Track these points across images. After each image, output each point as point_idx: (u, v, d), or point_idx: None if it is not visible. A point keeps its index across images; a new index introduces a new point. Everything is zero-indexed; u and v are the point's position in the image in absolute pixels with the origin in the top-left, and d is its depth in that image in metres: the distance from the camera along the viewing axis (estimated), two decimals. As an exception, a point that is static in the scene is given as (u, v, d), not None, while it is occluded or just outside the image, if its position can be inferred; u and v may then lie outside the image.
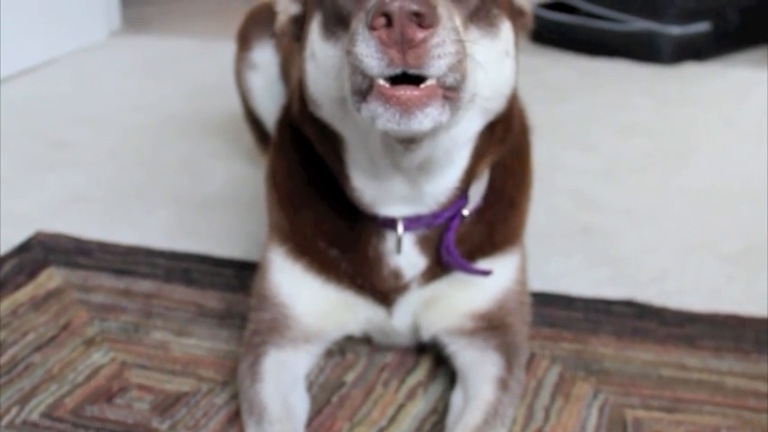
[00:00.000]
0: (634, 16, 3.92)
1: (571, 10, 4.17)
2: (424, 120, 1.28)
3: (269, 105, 2.41)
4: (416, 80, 1.27)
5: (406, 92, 1.27)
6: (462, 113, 1.39)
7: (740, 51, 4.01)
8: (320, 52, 1.46)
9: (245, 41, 2.48)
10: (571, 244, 2.30)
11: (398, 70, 1.25)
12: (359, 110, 1.32)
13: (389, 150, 1.47)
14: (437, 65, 1.25)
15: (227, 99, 2.93)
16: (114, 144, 3.02)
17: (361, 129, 1.47)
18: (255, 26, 2.46)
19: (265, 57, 2.44)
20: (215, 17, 4.74)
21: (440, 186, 1.55)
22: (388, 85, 1.27)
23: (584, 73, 3.76)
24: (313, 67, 1.49)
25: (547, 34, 4.07)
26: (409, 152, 1.44)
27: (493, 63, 1.44)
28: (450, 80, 1.28)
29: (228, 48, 2.58)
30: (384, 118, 1.29)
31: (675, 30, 3.83)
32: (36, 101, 3.49)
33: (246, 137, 2.71)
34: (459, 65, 1.28)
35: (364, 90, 1.30)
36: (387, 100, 1.27)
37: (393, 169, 1.51)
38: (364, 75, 1.28)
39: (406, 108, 1.27)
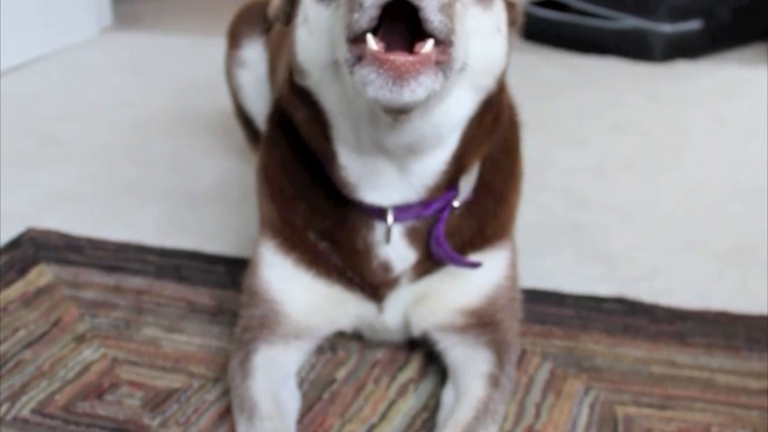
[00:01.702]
0: (625, 14, 3.92)
1: (562, 7, 4.17)
2: (418, 88, 1.25)
3: (259, 103, 2.41)
4: (410, 44, 1.26)
5: (399, 57, 1.24)
6: (453, 82, 1.38)
7: (731, 49, 4.02)
8: (313, 14, 1.44)
9: (235, 39, 2.48)
10: (562, 241, 2.30)
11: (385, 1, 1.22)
12: (352, 73, 1.29)
13: (375, 124, 1.44)
14: None
15: (217, 96, 2.93)
16: (105, 141, 3.02)
17: (349, 97, 1.45)
18: (246, 24, 2.46)
19: (255, 55, 2.44)
20: (206, 14, 4.74)
21: (427, 168, 1.53)
22: (382, 50, 1.25)
23: (575, 70, 3.77)
24: (305, 33, 1.47)
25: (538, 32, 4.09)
26: (398, 124, 1.41)
27: (484, 34, 1.43)
28: (440, 25, 1.24)
29: (219, 44, 2.58)
30: (376, 84, 1.25)
31: (667, 28, 3.84)
32: (26, 97, 3.48)
33: (237, 134, 2.71)
34: (449, 8, 1.25)
35: (358, 54, 1.27)
36: (380, 65, 1.24)
37: (378, 146, 1.48)
38: (362, 6, 1.24)
39: (399, 74, 1.24)
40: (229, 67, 2.50)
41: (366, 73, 1.26)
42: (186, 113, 3.23)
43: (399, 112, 1.35)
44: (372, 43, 1.25)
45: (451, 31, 1.28)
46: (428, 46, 1.26)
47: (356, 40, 1.27)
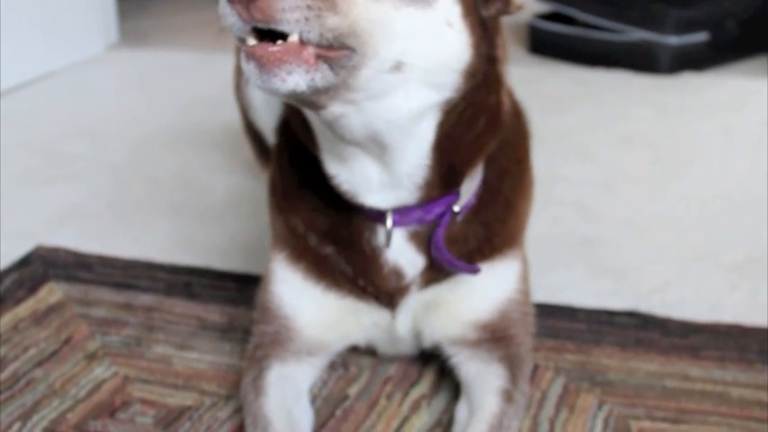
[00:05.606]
0: (632, 27, 3.92)
1: (569, 21, 4.17)
2: (288, 77, 1.25)
3: (268, 118, 2.39)
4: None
5: (260, 48, 1.25)
6: (396, 81, 1.36)
7: (738, 61, 4.01)
8: None
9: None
10: (573, 255, 2.30)
11: (249, 26, 1.24)
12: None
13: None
14: (287, 18, 1.21)
15: (225, 112, 2.93)
16: (113, 157, 3.02)
17: None
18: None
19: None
20: (212, 30, 4.73)
21: (406, 162, 1.49)
22: (252, 43, 1.26)
23: (582, 84, 3.76)
24: None
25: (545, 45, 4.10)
26: (323, 116, 1.38)
27: (426, 32, 1.38)
28: (311, 35, 1.24)
29: (226, 60, 2.59)
30: (251, 76, 1.27)
31: (674, 40, 3.83)
32: (34, 115, 3.49)
33: (245, 150, 2.71)
34: (318, 19, 1.23)
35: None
36: (247, 57, 1.26)
37: (346, 142, 1.46)
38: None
39: (263, 64, 1.25)
40: (238, 83, 2.50)
41: (244, 67, 1.28)
42: (194, 129, 3.23)
43: (309, 105, 1.36)
44: (249, 40, 1.27)
45: (344, 35, 1.26)
46: (292, 37, 1.24)
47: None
